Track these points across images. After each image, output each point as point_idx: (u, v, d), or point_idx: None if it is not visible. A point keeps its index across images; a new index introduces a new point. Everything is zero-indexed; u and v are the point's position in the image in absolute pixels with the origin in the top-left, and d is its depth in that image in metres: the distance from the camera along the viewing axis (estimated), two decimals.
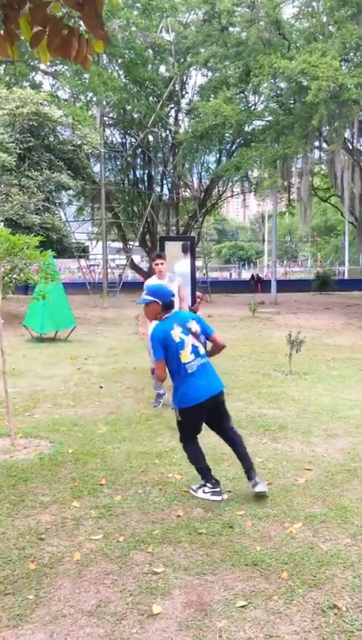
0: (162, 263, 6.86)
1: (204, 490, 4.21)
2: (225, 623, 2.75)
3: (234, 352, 11.13)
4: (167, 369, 4.21)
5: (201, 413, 4.20)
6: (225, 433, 4.37)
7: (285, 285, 35.20)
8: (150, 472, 4.66)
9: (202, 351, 4.24)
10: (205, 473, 4.27)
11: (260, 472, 4.67)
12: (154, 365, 4.17)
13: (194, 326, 4.24)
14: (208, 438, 5.53)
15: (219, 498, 4.15)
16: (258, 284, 36.07)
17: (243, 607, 2.87)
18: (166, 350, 4.11)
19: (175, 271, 7.67)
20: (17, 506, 4.02)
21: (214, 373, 4.26)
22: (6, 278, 5.38)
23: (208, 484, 4.22)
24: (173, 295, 4.46)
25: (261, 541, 3.53)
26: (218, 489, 4.19)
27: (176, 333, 4.14)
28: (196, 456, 4.32)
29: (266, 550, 3.42)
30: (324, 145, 25.57)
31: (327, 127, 22.89)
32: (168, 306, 4.28)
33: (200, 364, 4.18)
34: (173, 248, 8.03)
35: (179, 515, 3.87)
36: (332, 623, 2.74)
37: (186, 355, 4.13)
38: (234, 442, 4.33)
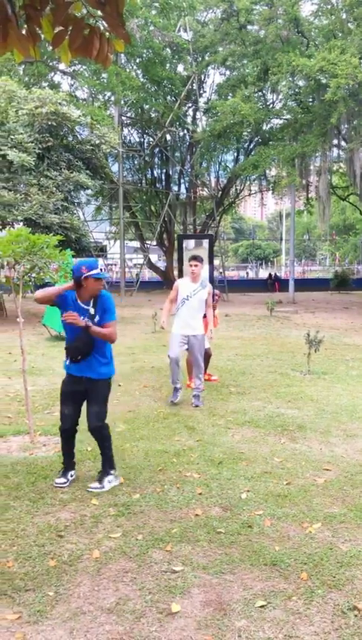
0: (196, 265, 6.79)
1: (109, 480, 4.34)
2: (245, 622, 2.74)
3: (252, 351, 11.10)
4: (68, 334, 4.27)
5: None
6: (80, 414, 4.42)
7: (303, 284, 35.05)
8: (168, 471, 4.67)
9: None
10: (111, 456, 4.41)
11: (278, 472, 4.66)
12: (112, 328, 4.20)
13: None
14: (225, 437, 5.54)
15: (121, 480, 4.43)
16: (275, 284, 35.94)
17: (262, 607, 2.86)
18: None
19: None
20: (37, 503, 4.05)
21: None
22: (25, 277, 5.42)
23: (111, 471, 4.39)
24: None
25: (280, 541, 3.52)
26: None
27: None
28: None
29: (285, 550, 3.41)
30: (343, 143, 25.35)
31: (346, 125, 22.72)
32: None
33: None
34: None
35: (197, 514, 3.87)
36: (353, 625, 2.72)
37: None
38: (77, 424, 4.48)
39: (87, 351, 4.20)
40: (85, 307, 4.20)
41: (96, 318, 4.19)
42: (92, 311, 4.19)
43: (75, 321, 4.03)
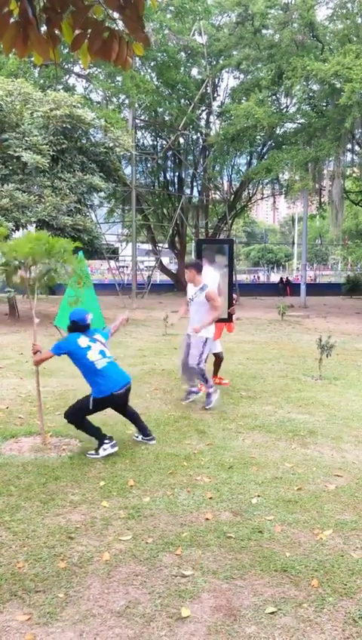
0: (185, 274, 7.33)
1: (104, 448, 4.99)
2: (255, 629, 2.72)
3: (263, 355, 11.07)
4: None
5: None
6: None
7: (315, 289, 34.92)
8: (178, 474, 4.66)
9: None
10: (98, 434, 5.10)
11: (289, 477, 4.64)
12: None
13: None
14: (236, 442, 5.53)
15: (116, 448, 5.06)
16: (287, 288, 35.84)
17: (272, 613, 2.84)
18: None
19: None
20: (48, 504, 4.05)
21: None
22: (42, 279, 5.44)
23: (105, 441, 5.03)
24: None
25: (290, 547, 3.50)
26: (113, 441, 5.07)
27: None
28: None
29: (296, 556, 3.38)
30: (357, 147, 25.29)
31: (360, 130, 22.62)
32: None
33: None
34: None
35: (207, 519, 3.86)
36: None
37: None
38: None
39: None
40: None
41: None
42: None
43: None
